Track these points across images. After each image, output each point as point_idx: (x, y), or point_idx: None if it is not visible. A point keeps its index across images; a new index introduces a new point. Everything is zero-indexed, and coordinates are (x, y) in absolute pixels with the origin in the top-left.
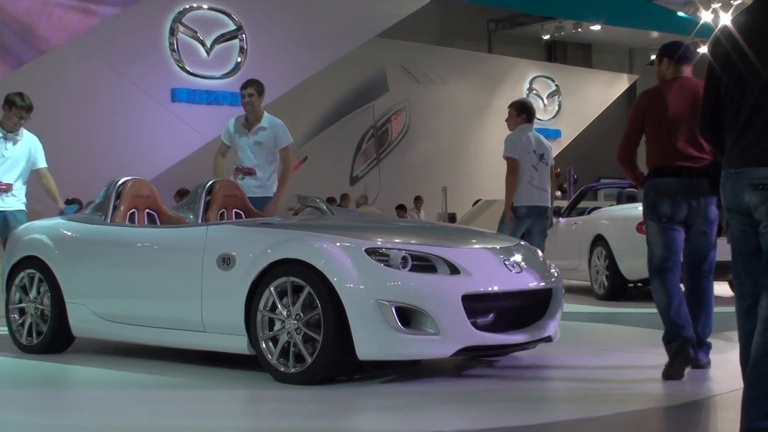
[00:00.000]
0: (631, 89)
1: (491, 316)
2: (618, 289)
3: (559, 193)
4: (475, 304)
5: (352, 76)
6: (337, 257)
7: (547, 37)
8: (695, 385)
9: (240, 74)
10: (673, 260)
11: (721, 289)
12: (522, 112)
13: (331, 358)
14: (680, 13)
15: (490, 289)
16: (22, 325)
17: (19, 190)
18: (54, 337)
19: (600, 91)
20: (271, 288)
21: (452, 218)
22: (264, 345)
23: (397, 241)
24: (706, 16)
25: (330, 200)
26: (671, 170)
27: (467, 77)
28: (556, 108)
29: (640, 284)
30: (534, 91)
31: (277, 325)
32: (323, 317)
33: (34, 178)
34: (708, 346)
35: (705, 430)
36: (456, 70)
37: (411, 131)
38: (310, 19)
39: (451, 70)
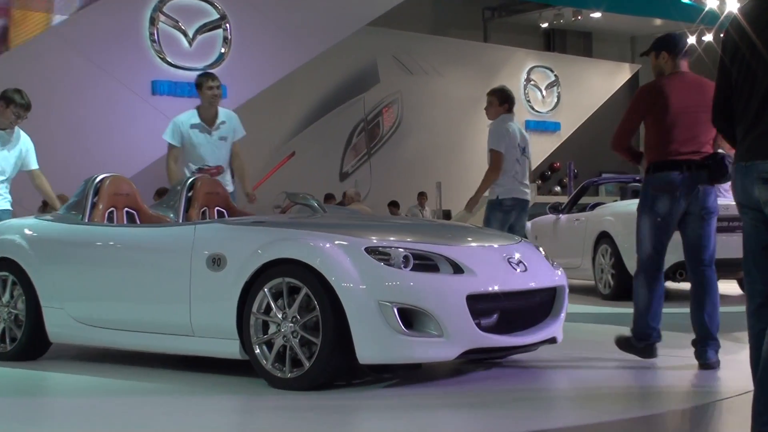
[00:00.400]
0: (634, 79)
1: (495, 316)
2: (624, 288)
3: (558, 189)
4: (479, 305)
5: (342, 67)
6: (336, 257)
7: (545, 25)
8: (704, 387)
9: (224, 65)
10: (660, 260)
11: (731, 287)
12: (504, 101)
13: (330, 363)
14: (685, 0)
15: (495, 288)
16: None
17: (6, 191)
18: (29, 344)
19: (601, 82)
20: (266, 289)
21: (447, 215)
22: (258, 349)
23: (397, 239)
24: (711, 3)
25: (328, 197)
26: (671, 164)
27: (462, 68)
28: (555, 99)
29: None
30: (532, 82)
31: (272, 329)
32: (322, 319)
33: (18, 180)
34: (717, 344)
35: None
36: (450, 61)
37: (403, 124)
38: (297, 7)
39: (445, 61)
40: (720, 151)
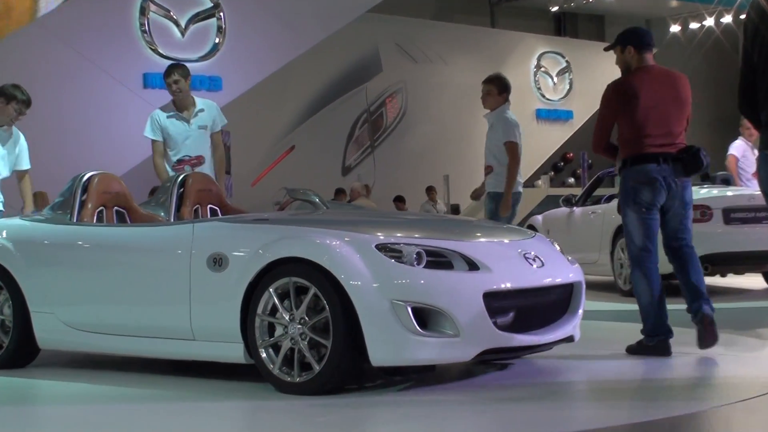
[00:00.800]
0: None
1: (511, 314)
2: None
3: (572, 180)
4: (495, 303)
5: (342, 56)
6: (345, 254)
7: (555, 8)
8: (726, 387)
9: (219, 56)
10: (653, 249)
11: (755, 282)
12: (504, 90)
13: (341, 365)
14: None
15: (512, 285)
16: None
17: None
18: (17, 351)
19: (615, 67)
20: (271, 290)
21: (456, 209)
22: (264, 353)
23: (407, 235)
24: None
25: (339, 192)
26: (648, 157)
27: (468, 55)
28: (567, 86)
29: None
30: (542, 69)
31: (279, 331)
32: (332, 320)
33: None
34: (709, 301)
35: None
36: (456, 48)
37: (408, 115)
38: None
39: (450, 48)
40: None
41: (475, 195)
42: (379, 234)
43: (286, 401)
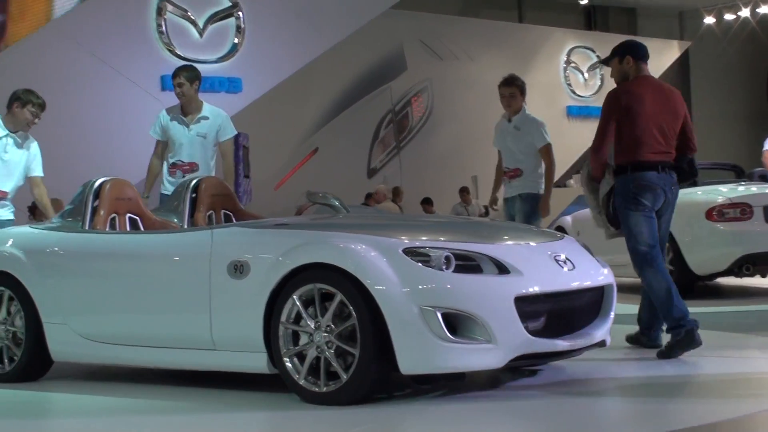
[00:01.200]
0: (683, 57)
1: (542, 319)
2: (685, 285)
3: None
4: (527, 307)
5: (366, 55)
6: (372, 259)
7: (585, 1)
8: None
9: (238, 56)
10: (658, 249)
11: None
12: (524, 92)
13: (369, 374)
14: None
15: (543, 289)
16: None
17: (10, 199)
18: (30, 363)
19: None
20: (295, 297)
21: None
22: (289, 362)
23: (434, 239)
24: None
25: (369, 197)
26: (650, 164)
27: (496, 51)
28: (598, 82)
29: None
30: (572, 64)
31: (303, 339)
32: (359, 328)
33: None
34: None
35: None
36: (483, 44)
37: (434, 115)
38: None
39: (477, 44)
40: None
41: (493, 200)
42: (405, 238)
43: (312, 411)
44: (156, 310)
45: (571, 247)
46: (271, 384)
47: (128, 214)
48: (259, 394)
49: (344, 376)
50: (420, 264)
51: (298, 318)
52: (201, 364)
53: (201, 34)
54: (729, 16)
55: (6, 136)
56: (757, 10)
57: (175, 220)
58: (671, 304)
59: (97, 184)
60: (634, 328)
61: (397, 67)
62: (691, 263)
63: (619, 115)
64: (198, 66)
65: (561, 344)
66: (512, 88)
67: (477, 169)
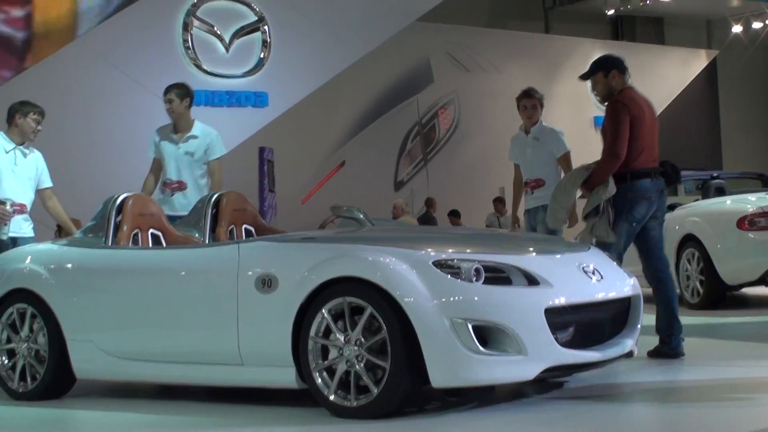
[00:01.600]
0: (711, 66)
1: (571, 330)
2: (716, 295)
3: None
4: (556, 318)
5: (392, 68)
6: (402, 272)
7: (611, 12)
8: None
9: (264, 71)
10: (622, 258)
11: None
12: (542, 105)
13: (400, 388)
14: None
15: (573, 300)
16: (13, 368)
17: (28, 215)
18: (53, 381)
19: (675, 71)
20: (324, 311)
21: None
22: (318, 377)
23: (462, 251)
24: None
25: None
26: (645, 173)
27: (523, 62)
28: None
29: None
30: None
31: (333, 353)
32: (390, 341)
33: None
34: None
35: None
36: (510, 55)
37: (461, 127)
38: (340, 5)
39: (504, 55)
40: None
41: (515, 220)
42: (434, 250)
43: (343, 425)
44: (183, 325)
45: (598, 257)
46: (298, 399)
47: (151, 230)
48: (287, 410)
49: (375, 390)
50: (450, 276)
51: (327, 332)
52: (228, 379)
53: (227, 49)
54: (757, 25)
55: (14, 149)
56: None
57: (197, 235)
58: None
59: (120, 199)
60: (656, 339)
61: (423, 79)
62: (722, 273)
63: (629, 123)
64: (224, 81)
65: (591, 355)
66: (533, 100)
67: (505, 181)
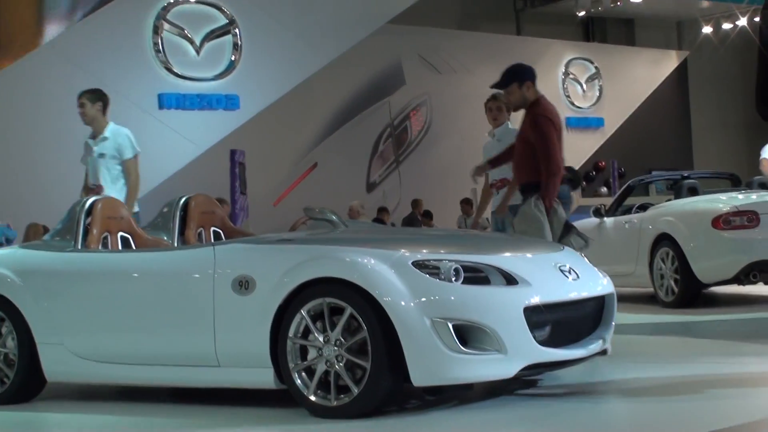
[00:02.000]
0: (682, 67)
1: (547, 329)
2: (690, 294)
3: (604, 190)
4: (534, 317)
5: (363, 70)
6: (382, 273)
7: (582, 13)
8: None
9: (235, 74)
10: None
11: None
12: (510, 109)
13: (381, 387)
14: None
15: (551, 299)
16: None
17: None
18: (23, 384)
19: (646, 72)
20: (303, 312)
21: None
22: (297, 377)
23: (440, 251)
24: None
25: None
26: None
27: (494, 64)
28: (597, 93)
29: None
30: (571, 76)
31: (312, 353)
32: (371, 341)
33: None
34: None
35: None
36: (481, 57)
37: (433, 128)
38: (311, 7)
39: (475, 57)
40: None
41: (474, 224)
42: (413, 251)
43: (324, 425)
44: (158, 328)
45: (573, 257)
46: (276, 400)
47: (120, 233)
48: (265, 410)
49: (355, 390)
50: (430, 276)
51: (306, 332)
52: (204, 381)
53: (198, 52)
54: (727, 26)
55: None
56: (755, 19)
57: (165, 238)
58: None
59: (89, 203)
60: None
61: (395, 81)
62: (697, 271)
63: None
64: (194, 84)
65: (568, 353)
66: (498, 102)
67: (477, 182)
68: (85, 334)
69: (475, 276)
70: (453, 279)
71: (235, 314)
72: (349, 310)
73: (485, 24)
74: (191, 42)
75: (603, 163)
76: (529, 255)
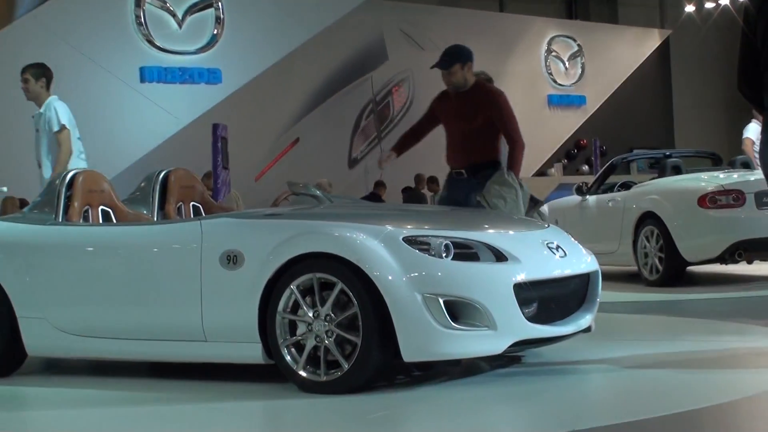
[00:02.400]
0: (664, 46)
1: (534, 305)
2: (675, 273)
3: (586, 168)
4: (523, 294)
5: (346, 45)
6: (374, 248)
7: None
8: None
9: (217, 47)
10: None
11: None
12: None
13: (371, 362)
14: None
15: (540, 275)
16: None
17: None
18: (3, 358)
19: (628, 50)
20: (293, 287)
21: None
22: (286, 352)
23: (430, 227)
24: None
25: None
26: None
27: (477, 40)
28: (579, 71)
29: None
30: (553, 53)
31: (301, 328)
32: (361, 317)
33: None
34: None
35: None
36: (464, 33)
37: (415, 104)
38: None
39: (458, 33)
40: None
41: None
42: (402, 226)
43: (313, 400)
44: (143, 302)
45: (559, 235)
46: (262, 375)
47: (101, 207)
48: (252, 385)
49: (346, 365)
50: (420, 252)
51: (295, 307)
52: (190, 355)
53: (180, 26)
54: (709, 5)
55: None
56: None
57: (145, 212)
58: None
59: (70, 175)
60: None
61: (377, 57)
62: (682, 250)
63: None
64: (176, 57)
65: (556, 330)
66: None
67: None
68: (69, 308)
69: (465, 252)
70: (443, 255)
71: (222, 289)
72: (339, 286)
73: (468, 0)
74: (173, 15)
75: (584, 141)
76: (517, 232)
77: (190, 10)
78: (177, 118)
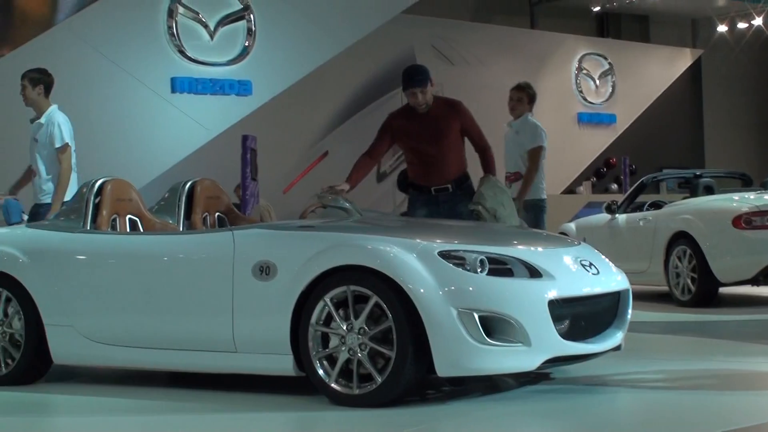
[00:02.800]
0: (695, 66)
1: (567, 322)
2: (708, 293)
3: (615, 187)
4: (557, 310)
5: (376, 59)
6: (409, 262)
7: (597, 8)
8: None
9: (248, 59)
10: None
11: None
12: (532, 101)
13: (404, 376)
14: None
15: (574, 293)
16: None
17: None
18: (29, 365)
19: (659, 69)
20: (327, 299)
21: None
22: (319, 365)
23: (464, 242)
24: None
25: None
26: None
27: (507, 57)
28: (610, 89)
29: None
30: (584, 71)
31: (334, 341)
32: (396, 330)
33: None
34: None
35: None
36: (495, 49)
37: None
38: None
39: (489, 50)
40: None
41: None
42: (437, 241)
43: (344, 413)
44: (174, 311)
45: (590, 252)
46: (293, 387)
47: (129, 216)
48: (283, 397)
49: (379, 378)
50: (456, 267)
51: (328, 320)
52: (220, 365)
53: (212, 37)
54: (742, 25)
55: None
56: None
57: (171, 222)
58: None
59: (98, 183)
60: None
61: None
62: (715, 271)
63: None
64: (207, 69)
65: (586, 347)
66: (520, 93)
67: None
68: (97, 316)
69: (499, 268)
70: (479, 270)
71: (254, 300)
72: (374, 299)
73: (499, 16)
74: (205, 26)
75: (614, 160)
76: (550, 248)
77: (222, 22)
78: (207, 129)
